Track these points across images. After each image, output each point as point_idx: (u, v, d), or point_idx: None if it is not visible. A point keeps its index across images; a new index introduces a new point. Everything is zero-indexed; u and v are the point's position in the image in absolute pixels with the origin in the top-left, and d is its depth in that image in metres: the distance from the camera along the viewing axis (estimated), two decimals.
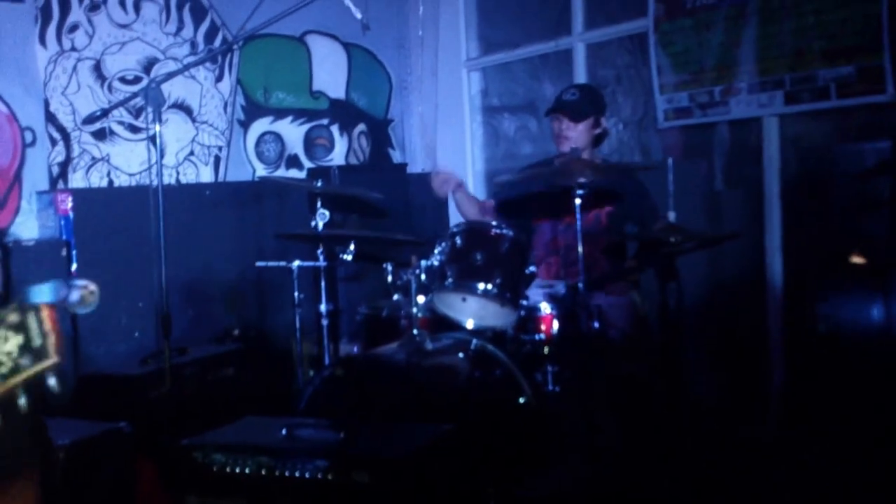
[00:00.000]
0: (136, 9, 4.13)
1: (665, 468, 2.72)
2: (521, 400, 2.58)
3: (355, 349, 3.19)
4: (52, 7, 3.91)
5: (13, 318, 1.11)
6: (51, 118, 3.92)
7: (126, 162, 4.12)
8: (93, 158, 4.05)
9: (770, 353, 3.58)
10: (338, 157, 4.85)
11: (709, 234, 3.41)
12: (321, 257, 3.14)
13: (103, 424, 2.53)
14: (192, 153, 4.34)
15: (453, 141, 5.10)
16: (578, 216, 2.67)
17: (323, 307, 3.11)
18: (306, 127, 4.76)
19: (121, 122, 4.11)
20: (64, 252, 3.58)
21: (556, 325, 2.82)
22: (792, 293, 3.53)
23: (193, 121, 4.34)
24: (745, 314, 3.70)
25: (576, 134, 3.14)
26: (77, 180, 3.99)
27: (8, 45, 3.76)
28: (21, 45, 3.80)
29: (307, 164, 4.73)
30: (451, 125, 5.10)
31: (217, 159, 4.43)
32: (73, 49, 3.98)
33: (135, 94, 3.10)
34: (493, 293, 2.71)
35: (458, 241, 2.77)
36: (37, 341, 1.12)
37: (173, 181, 4.23)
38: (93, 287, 1.38)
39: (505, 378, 2.62)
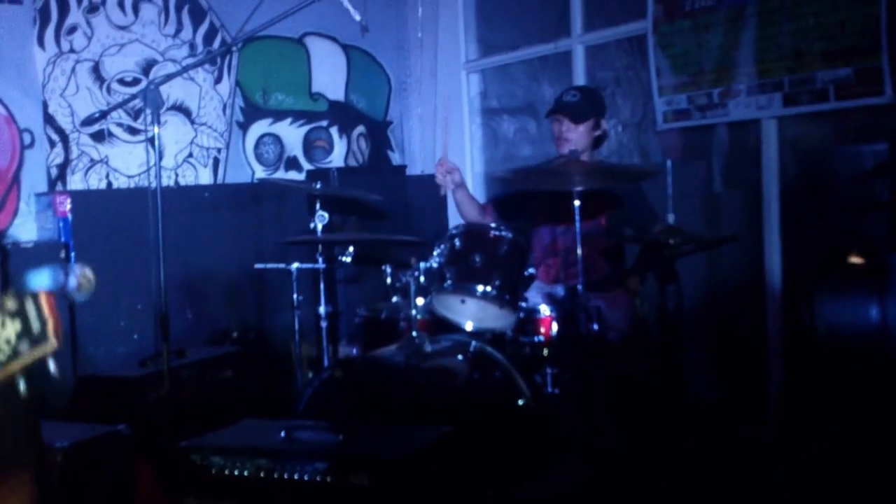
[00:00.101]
0: (135, 10, 4.13)
1: (665, 469, 2.72)
2: (521, 402, 2.58)
3: (354, 351, 3.19)
4: (51, 8, 3.91)
5: (11, 304, 1.11)
6: (49, 120, 3.92)
7: (125, 164, 4.12)
8: (91, 160, 4.05)
9: (769, 353, 3.58)
10: (337, 158, 4.85)
11: (708, 236, 3.41)
12: (320, 259, 3.14)
13: (102, 427, 2.52)
14: (190, 155, 4.34)
15: (453, 143, 5.10)
16: (577, 218, 2.67)
17: (322, 309, 3.11)
18: (305, 129, 4.75)
19: (119, 124, 4.11)
20: (63, 254, 3.58)
21: (555, 327, 2.82)
22: (791, 294, 3.53)
23: (192, 123, 4.33)
24: (744, 315, 3.70)
25: (576, 136, 3.14)
26: (76, 182, 3.98)
27: (6, 46, 3.76)
28: (19, 46, 3.80)
29: (306, 165, 4.73)
30: (450, 127, 5.10)
31: (216, 161, 4.43)
32: (72, 51, 3.97)
33: (133, 96, 3.10)
34: (493, 295, 2.71)
35: (457, 242, 2.77)
36: (35, 327, 1.12)
37: (172, 183, 4.23)
38: (90, 273, 1.39)
39: (504, 380, 2.62)
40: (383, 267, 2.87)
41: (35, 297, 1.13)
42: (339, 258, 3.09)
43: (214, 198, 4.14)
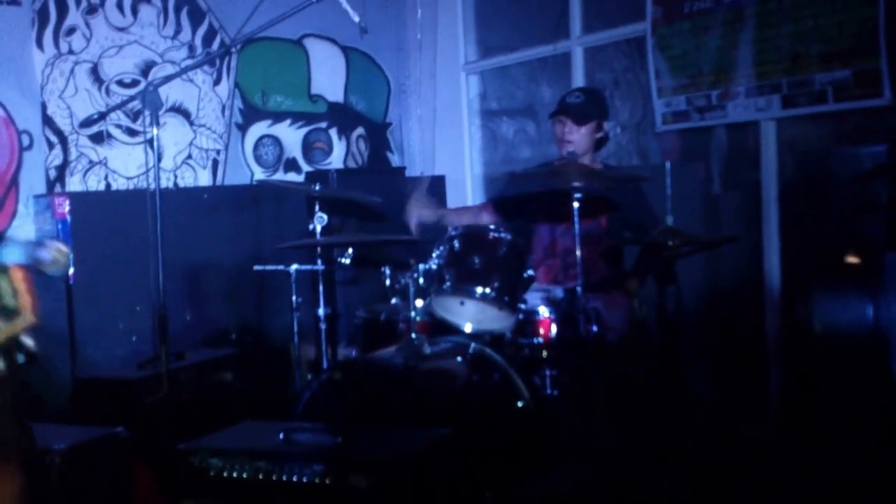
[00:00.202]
0: (134, 12, 4.13)
1: (665, 469, 2.72)
2: (520, 403, 2.58)
3: (353, 353, 3.19)
4: (50, 10, 3.91)
5: None
6: (48, 121, 3.92)
7: (123, 165, 4.12)
8: (90, 162, 4.04)
9: (769, 353, 3.59)
10: (336, 160, 4.85)
11: (707, 237, 3.41)
12: (319, 261, 3.14)
13: (100, 429, 2.52)
14: (189, 157, 4.34)
15: (452, 144, 5.10)
16: (577, 220, 2.67)
17: (321, 311, 3.11)
18: (304, 130, 4.75)
19: (118, 126, 4.11)
20: None
21: (554, 328, 2.82)
22: (790, 294, 3.54)
23: (191, 124, 4.33)
24: (743, 315, 3.71)
25: (578, 137, 3.14)
26: (74, 184, 3.98)
27: (5, 47, 3.75)
28: (18, 47, 3.80)
29: (305, 167, 4.73)
30: (449, 128, 5.10)
31: (215, 163, 4.43)
32: (71, 52, 3.97)
33: (132, 98, 3.09)
34: (492, 297, 2.71)
35: (457, 244, 2.76)
36: (8, 302, 1.11)
37: (171, 185, 4.23)
38: (64, 248, 1.37)
39: (503, 382, 2.62)
40: (382, 269, 2.87)
41: (7, 271, 1.12)
42: (339, 260, 3.09)
43: (213, 199, 4.14)
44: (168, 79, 3.09)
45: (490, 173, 5.04)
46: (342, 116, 4.87)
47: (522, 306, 2.80)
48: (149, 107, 2.72)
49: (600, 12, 4.32)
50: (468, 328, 2.74)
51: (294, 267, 3.10)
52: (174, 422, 2.78)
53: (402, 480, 2.00)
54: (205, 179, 4.38)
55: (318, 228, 3.06)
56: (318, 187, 3.17)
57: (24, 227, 3.79)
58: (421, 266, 2.78)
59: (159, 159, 2.81)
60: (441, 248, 2.78)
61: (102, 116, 3.63)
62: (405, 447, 2.10)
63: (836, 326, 3.16)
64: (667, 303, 2.83)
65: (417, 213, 3.19)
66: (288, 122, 4.69)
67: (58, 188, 3.92)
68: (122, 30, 4.11)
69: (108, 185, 4.08)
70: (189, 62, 4.16)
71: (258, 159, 4.59)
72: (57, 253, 1.36)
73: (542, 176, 3.17)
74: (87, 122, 3.79)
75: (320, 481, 2.02)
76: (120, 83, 4.10)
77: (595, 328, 2.78)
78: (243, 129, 4.53)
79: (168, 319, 2.77)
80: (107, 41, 4.06)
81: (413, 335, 2.72)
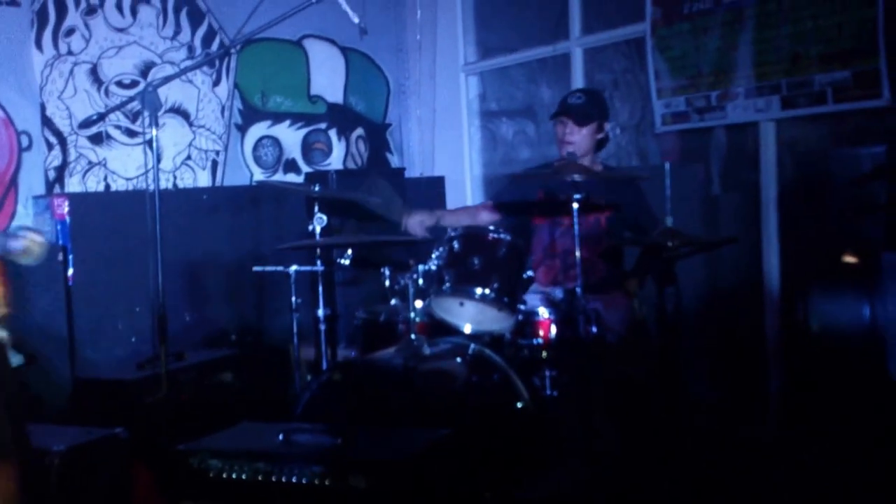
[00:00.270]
0: (133, 12, 4.13)
1: (665, 469, 2.72)
2: (519, 404, 2.58)
3: (353, 354, 3.19)
4: (49, 11, 3.90)
5: None
6: (47, 122, 3.91)
7: (123, 166, 4.12)
8: (89, 163, 4.04)
9: (768, 354, 3.59)
10: (335, 161, 4.85)
11: (706, 238, 3.41)
12: (319, 262, 3.14)
13: (99, 430, 2.52)
14: (189, 157, 4.34)
15: (451, 145, 5.10)
16: (576, 221, 2.67)
17: (320, 312, 3.11)
18: (304, 131, 4.75)
19: (117, 127, 4.11)
20: (60, 257, 3.57)
21: (553, 329, 2.82)
22: (789, 295, 3.54)
23: (191, 125, 4.33)
24: (743, 316, 3.71)
25: (579, 138, 3.14)
26: (73, 185, 3.98)
27: (4, 48, 3.75)
28: (17, 48, 3.79)
29: (305, 168, 4.73)
30: (448, 129, 5.10)
31: (214, 164, 4.43)
32: (70, 53, 3.97)
33: (131, 99, 3.09)
34: (491, 298, 2.71)
35: (456, 245, 2.77)
36: None
37: (170, 186, 4.22)
38: (39, 238, 1.35)
39: (503, 383, 2.62)
40: (382, 269, 2.87)
41: None
42: (338, 261, 3.09)
43: (213, 200, 4.14)
44: (167, 79, 3.09)
45: (489, 174, 5.04)
46: (342, 117, 4.87)
47: (522, 307, 2.80)
48: (148, 108, 2.72)
49: (600, 13, 4.33)
50: (468, 329, 2.74)
51: (293, 268, 3.10)
52: (174, 422, 2.78)
53: (401, 481, 2.00)
54: (204, 180, 4.38)
55: (318, 229, 3.06)
56: (317, 188, 3.17)
57: None
58: (420, 267, 2.78)
59: (158, 160, 2.81)
60: (440, 249, 2.78)
61: (102, 117, 3.63)
62: (405, 448, 2.10)
63: (833, 326, 3.17)
64: (666, 303, 2.83)
65: (418, 220, 3.20)
66: (287, 122, 4.69)
67: (57, 189, 3.92)
68: (121, 30, 4.11)
69: (108, 186, 4.08)
70: (188, 63, 4.16)
71: (258, 160, 4.59)
72: (30, 242, 1.34)
73: (542, 177, 3.18)
74: (86, 123, 3.78)
75: (320, 482, 2.02)
76: (119, 84, 4.10)
77: (595, 329, 2.78)
78: (243, 129, 4.53)
79: (167, 320, 2.77)
80: (106, 42, 4.06)
81: (412, 336, 2.72)
